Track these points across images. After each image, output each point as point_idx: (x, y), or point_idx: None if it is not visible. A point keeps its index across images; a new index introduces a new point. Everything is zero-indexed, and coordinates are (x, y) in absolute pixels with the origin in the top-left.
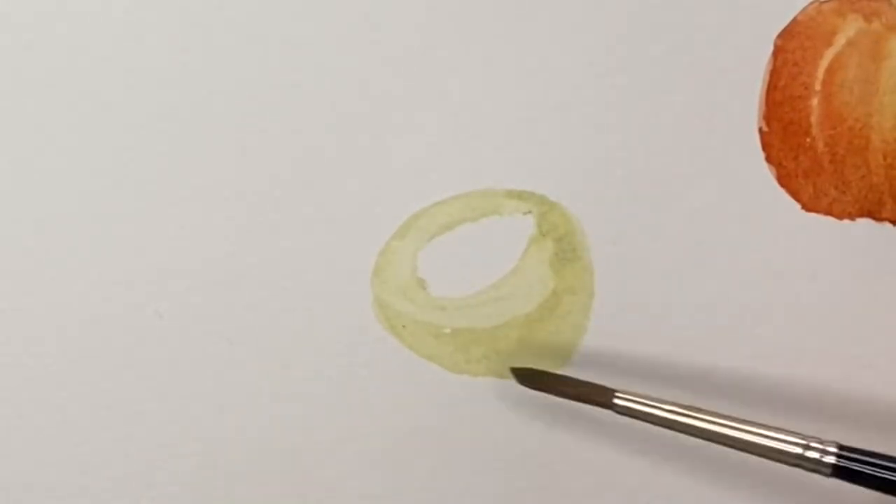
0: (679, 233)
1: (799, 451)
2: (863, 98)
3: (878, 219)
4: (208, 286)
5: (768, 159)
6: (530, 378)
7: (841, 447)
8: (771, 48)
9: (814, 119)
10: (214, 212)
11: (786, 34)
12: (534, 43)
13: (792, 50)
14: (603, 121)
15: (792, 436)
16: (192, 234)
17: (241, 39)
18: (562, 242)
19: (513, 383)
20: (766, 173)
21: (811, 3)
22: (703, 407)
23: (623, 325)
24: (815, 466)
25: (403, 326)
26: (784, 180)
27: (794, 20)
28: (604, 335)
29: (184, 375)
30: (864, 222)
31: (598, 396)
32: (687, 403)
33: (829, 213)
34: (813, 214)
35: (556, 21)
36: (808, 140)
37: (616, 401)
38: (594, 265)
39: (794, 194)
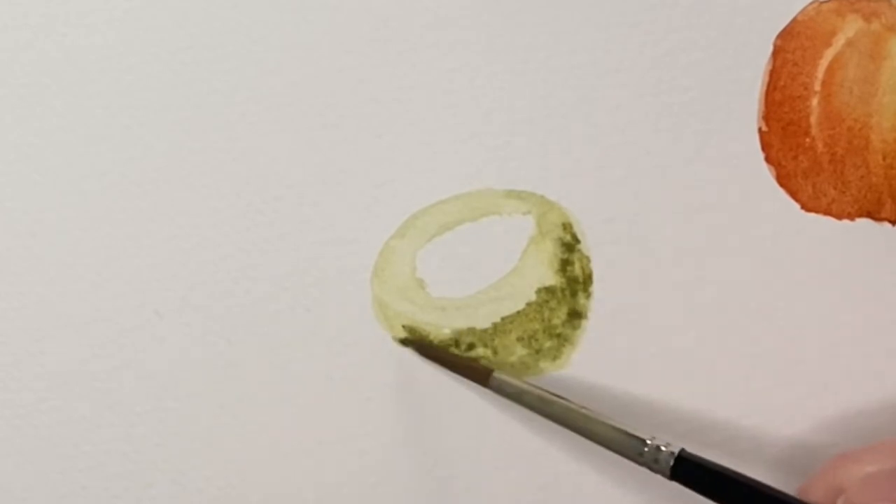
0: (679, 233)
1: (640, 447)
2: (862, 98)
3: (878, 219)
4: (208, 286)
5: (768, 159)
6: (419, 347)
7: (682, 451)
8: (771, 48)
9: (813, 119)
10: (214, 212)
11: (785, 34)
12: (534, 43)
13: (792, 50)
14: (603, 121)
15: (636, 436)
16: (191, 234)
17: (240, 39)
18: (562, 242)
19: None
20: (766, 173)
21: (811, 4)
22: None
23: (623, 325)
24: (655, 466)
25: (403, 326)
26: (783, 180)
27: (794, 20)
28: (604, 335)
29: (184, 375)
30: (863, 222)
31: (477, 375)
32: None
33: (828, 213)
34: (812, 214)
35: (555, 21)
36: (807, 140)
37: (492, 380)
38: (594, 265)
39: (794, 194)
